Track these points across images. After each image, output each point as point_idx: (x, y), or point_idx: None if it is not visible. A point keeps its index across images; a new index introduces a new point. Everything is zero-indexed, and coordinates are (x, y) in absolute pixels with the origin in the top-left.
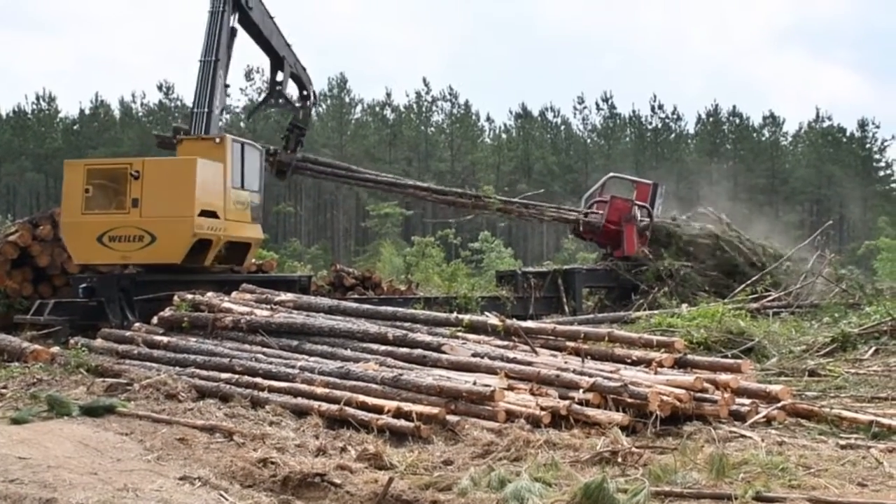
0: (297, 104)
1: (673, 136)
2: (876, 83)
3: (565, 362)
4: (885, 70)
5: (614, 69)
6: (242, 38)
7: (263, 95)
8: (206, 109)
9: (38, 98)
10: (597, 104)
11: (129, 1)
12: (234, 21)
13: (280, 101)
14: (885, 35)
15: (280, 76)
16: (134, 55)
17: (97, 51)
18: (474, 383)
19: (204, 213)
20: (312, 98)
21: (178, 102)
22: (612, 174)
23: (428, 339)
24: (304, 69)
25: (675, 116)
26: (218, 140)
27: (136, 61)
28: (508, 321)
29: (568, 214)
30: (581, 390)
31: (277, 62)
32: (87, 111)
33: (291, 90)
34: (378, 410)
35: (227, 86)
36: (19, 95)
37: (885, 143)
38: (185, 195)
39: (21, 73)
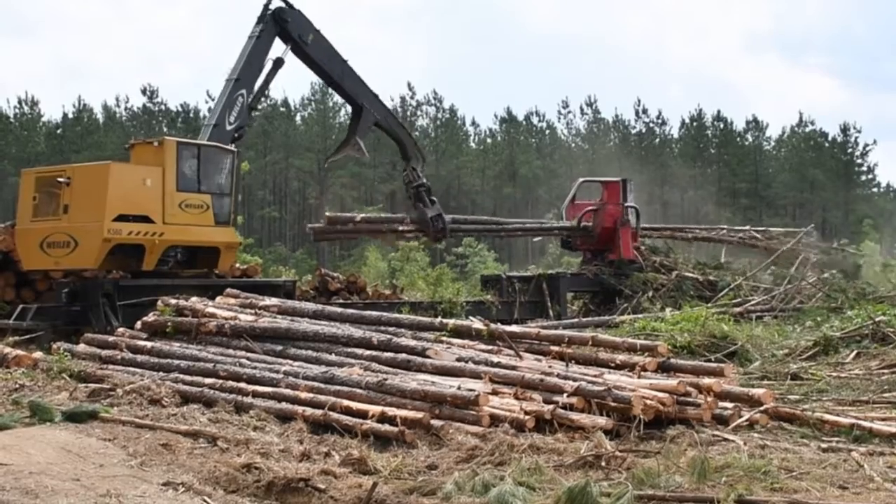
0: (402, 164)
1: (657, 140)
2: (852, 89)
3: (549, 366)
4: (861, 75)
5: (598, 73)
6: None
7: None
8: (213, 122)
9: (20, 102)
10: (581, 109)
11: (109, 5)
12: (284, 52)
13: (354, 148)
14: (860, 41)
15: (357, 125)
16: (116, 59)
17: (78, 55)
18: (459, 388)
19: (127, 218)
20: (419, 156)
21: (162, 107)
22: (581, 179)
23: (412, 343)
24: (403, 126)
25: (659, 121)
26: (157, 143)
27: (118, 65)
28: (493, 326)
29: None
30: (565, 394)
31: (355, 110)
32: (70, 115)
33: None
34: (362, 415)
35: (252, 108)
36: (1, 99)
37: (868, 148)
38: (98, 200)
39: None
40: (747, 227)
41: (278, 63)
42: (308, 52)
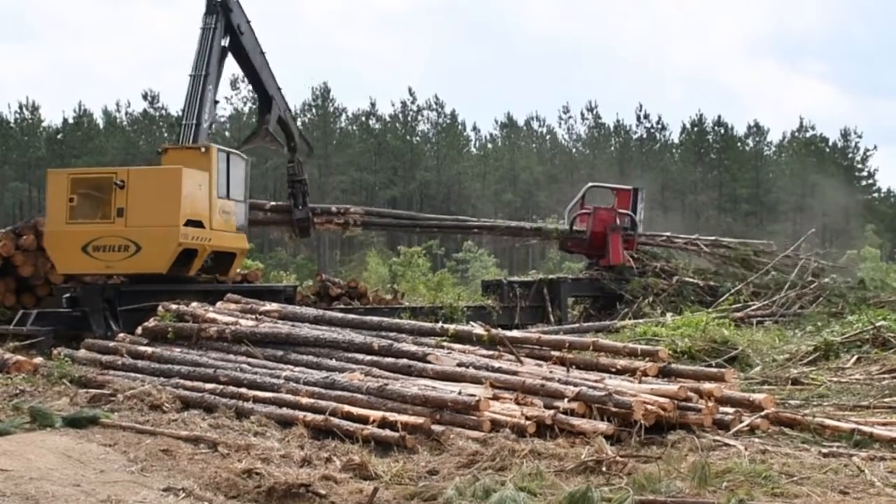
0: (287, 155)
1: (658, 145)
2: (849, 94)
3: (550, 372)
4: (858, 81)
5: (599, 78)
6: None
7: (249, 132)
8: (194, 121)
9: (21, 107)
10: (582, 114)
11: (109, 10)
12: (225, 42)
13: (266, 138)
14: (857, 47)
15: (267, 116)
16: (116, 64)
17: (78, 60)
18: (459, 393)
19: (189, 223)
20: (308, 148)
21: (163, 112)
22: (590, 184)
23: (413, 348)
24: (294, 119)
25: (659, 126)
26: (203, 149)
27: (119, 70)
28: (494, 331)
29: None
30: (566, 399)
31: (266, 101)
32: (70, 120)
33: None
34: (363, 420)
35: (216, 101)
36: (1, 104)
37: (869, 153)
38: (170, 204)
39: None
40: (714, 238)
41: (224, 53)
42: (242, 43)
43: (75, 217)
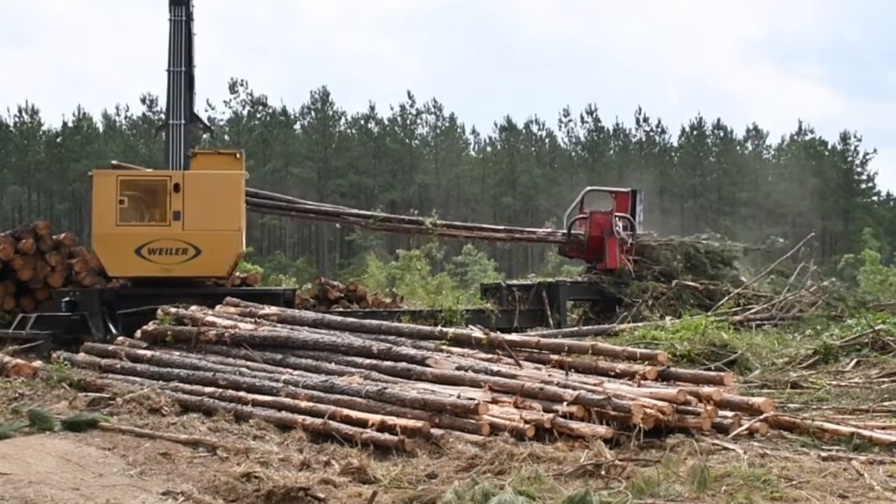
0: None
1: (657, 149)
2: (845, 98)
3: (549, 375)
4: (853, 84)
5: (599, 82)
6: (228, 48)
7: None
8: (182, 121)
9: (20, 110)
10: (581, 117)
11: (106, 14)
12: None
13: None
14: (852, 50)
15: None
16: (115, 68)
17: (77, 64)
18: (458, 396)
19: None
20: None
21: (162, 115)
22: (588, 188)
23: (412, 352)
24: None
25: (659, 129)
26: (238, 155)
27: (117, 74)
28: (493, 334)
29: (553, 237)
30: (565, 403)
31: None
32: (69, 124)
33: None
34: (362, 424)
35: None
36: (1, 108)
37: (868, 157)
38: (232, 209)
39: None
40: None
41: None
42: (191, 27)
43: (126, 219)
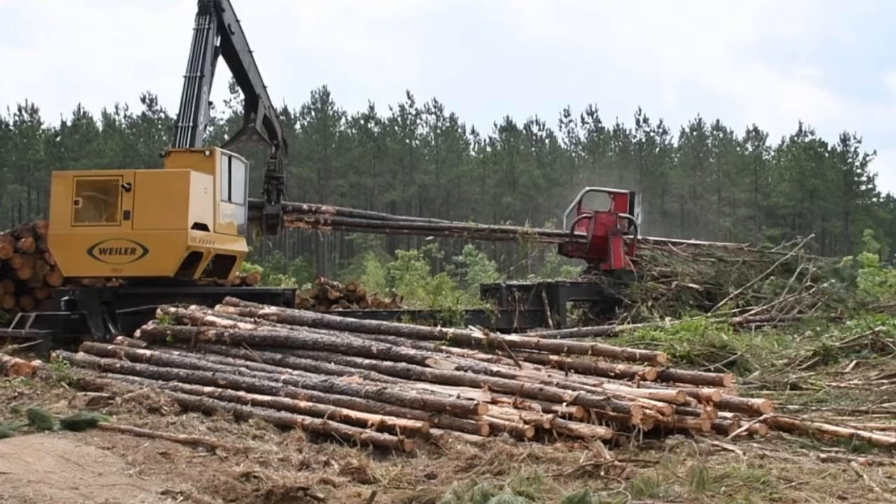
0: (270, 151)
1: (657, 150)
2: (840, 99)
3: (549, 376)
4: (848, 85)
5: (599, 82)
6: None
7: (235, 131)
8: (190, 124)
9: (20, 109)
10: (582, 118)
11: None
12: (216, 41)
13: (253, 137)
14: (846, 51)
15: (253, 114)
16: (114, 67)
17: (76, 63)
18: (458, 397)
19: (195, 226)
20: (284, 147)
21: (161, 115)
22: (587, 188)
23: (412, 352)
24: (277, 116)
25: (659, 130)
26: (208, 153)
27: (117, 74)
28: (492, 334)
29: (555, 238)
30: (564, 404)
31: (252, 99)
32: (69, 123)
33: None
34: (362, 424)
35: (210, 102)
36: (0, 107)
37: (868, 158)
38: (179, 207)
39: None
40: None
41: (217, 53)
42: (233, 42)
43: (81, 219)
